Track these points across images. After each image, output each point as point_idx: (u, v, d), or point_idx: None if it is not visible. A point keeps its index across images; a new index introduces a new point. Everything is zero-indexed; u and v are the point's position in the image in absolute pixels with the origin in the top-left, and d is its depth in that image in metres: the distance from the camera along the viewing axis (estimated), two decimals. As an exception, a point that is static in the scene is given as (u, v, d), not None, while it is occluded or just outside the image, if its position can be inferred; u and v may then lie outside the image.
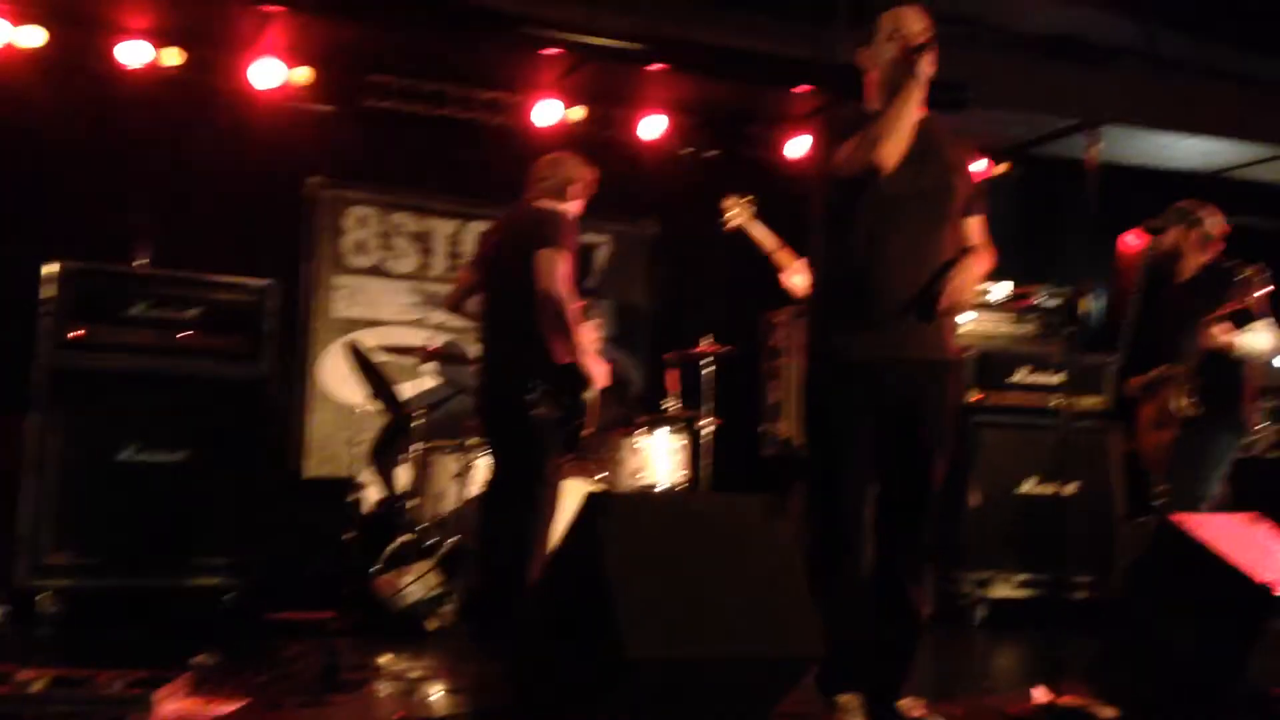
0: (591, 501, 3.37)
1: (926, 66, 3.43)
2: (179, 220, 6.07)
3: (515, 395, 4.29)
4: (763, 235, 5.16)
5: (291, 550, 5.54)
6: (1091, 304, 5.16)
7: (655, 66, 6.39)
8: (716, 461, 5.98)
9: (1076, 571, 5.41)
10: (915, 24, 3.51)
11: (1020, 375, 5.91)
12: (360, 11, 5.76)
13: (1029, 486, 5.66)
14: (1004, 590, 5.53)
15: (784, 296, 5.84)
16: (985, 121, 6.98)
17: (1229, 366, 4.61)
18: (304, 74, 6.19)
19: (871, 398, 3.48)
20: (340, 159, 6.68)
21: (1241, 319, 4.53)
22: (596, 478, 5.56)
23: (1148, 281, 5.03)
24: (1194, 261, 4.82)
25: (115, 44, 5.97)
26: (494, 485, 4.56)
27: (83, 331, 4.97)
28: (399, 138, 6.76)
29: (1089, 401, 5.87)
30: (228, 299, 5.30)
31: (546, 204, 4.53)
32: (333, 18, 5.78)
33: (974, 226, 3.63)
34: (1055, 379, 5.81)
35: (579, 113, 6.80)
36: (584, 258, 7.21)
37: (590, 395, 4.45)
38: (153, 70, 6.08)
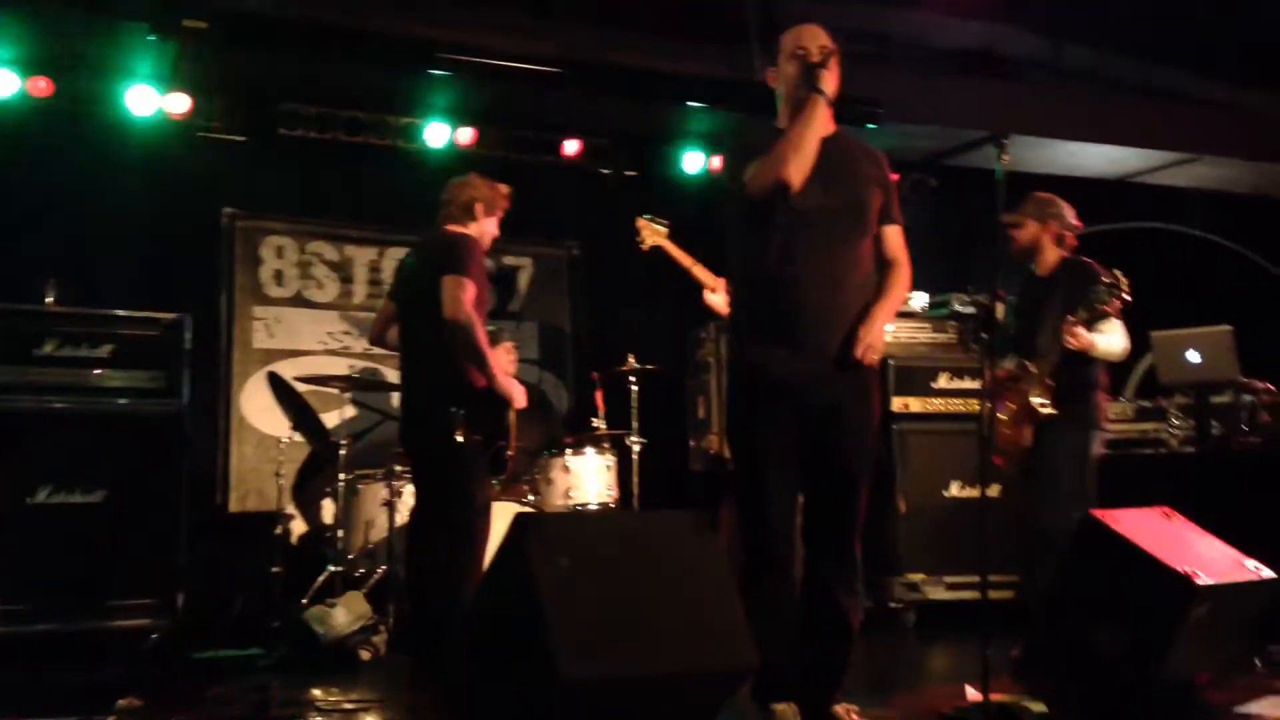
0: (521, 523, 3.36)
1: (828, 83, 3.49)
2: (91, 257, 5.96)
3: (435, 422, 4.27)
4: (679, 254, 5.21)
5: (218, 587, 5.44)
6: (1006, 310, 5.24)
7: (571, 89, 6.40)
8: (645, 479, 5.99)
9: (1002, 572, 5.49)
10: (814, 41, 3.57)
11: (940, 382, 6.01)
12: (272, 41, 5.69)
13: (954, 490, 5.75)
14: (934, 593, 5.60)
15: (707, 313, 5.90)
16: (898, 135, 7.11)
17: (1083, 365, 4.68)
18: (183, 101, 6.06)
19: (793, 410, 3.51)
20: (255, 189, 6.60)
21: (1097, 318, 4.59)
22: (526, 499, 5.55)
23: (1013, 275, 5.12)
24: (1052, 256, 4.89)
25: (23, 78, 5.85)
26: (420, 513, 4.52)
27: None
28: (314, 166, 6.71)
29: (1013, 404, 5.97)
30: (141, 334, 5.21)
31: (452, 228, 4.54)
32: (243, 47, 5.70)
33: (891, 236, 3.69)
34: (974, 384, 5.92)
35: (495, 136, 6.79)
36: (506, 280, 7.21)
37: (510, 417, 4.44)
38: (59, 104, 5.96)
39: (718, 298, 5.11)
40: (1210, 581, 3.66)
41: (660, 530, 3.62)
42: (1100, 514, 3.93)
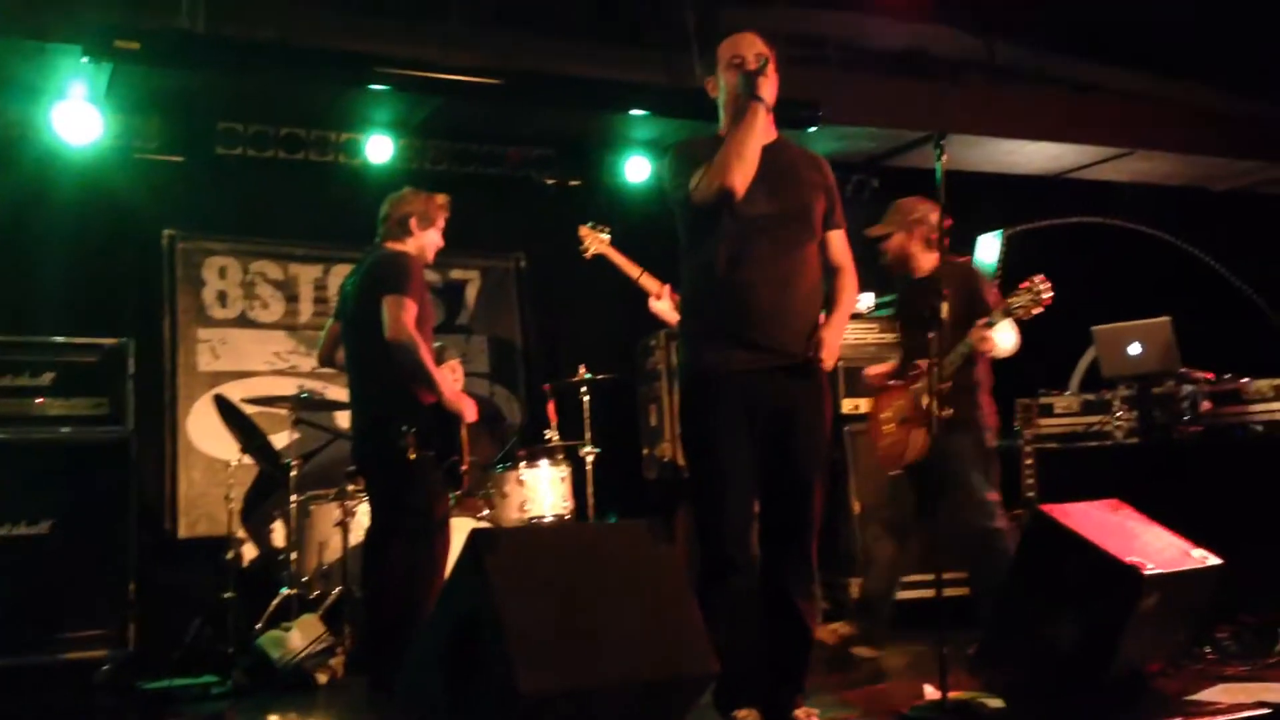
0: (477, 537, 3.35)
1: (767, 90, 3.51)
2: (29, 284, 5.86)
3: (387, 442, 4.26)
4: (622, 261, 5.22)
5: (170, 615, 5.37)
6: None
7: (511, 100, 6.39)
8: (600, 489, 5.99)
9: (955, 569, 5.54)
10: (750, 49, 3.60)
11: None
12: (206, 59, 5.63)
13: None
14: (913, 591, 5.63)
15: (656, 320, 5.92)
16: (838, 138, 7.17)
17: (972, 366, 4.74)
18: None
19: (747, 413, 3.53)
20: (195, 210, 6.52)
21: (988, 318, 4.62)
22: (481, 514, 5.53)
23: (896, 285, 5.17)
24: (926, 260, 4.93)
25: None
26: (377, 532, 4.50)
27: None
28: (254, 184, 6.63)
29: (958, 402, 6.04)
30: (83, 361, 5.15)
31: (390, 245, 4.53)
32: (177, 67, 5.63)
33: (835, 242, 3.73)
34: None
35: (437, 149, 6.76)
36: (454, 294, 7.18)
37: (462, 431, 4.44)
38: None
39: (663, 305, 5.13)
40: (1158, 571, 3.73)
41: (616, 540, 3.62)
42: (1049, 508, 3.99)
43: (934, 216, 4.88)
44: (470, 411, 4.48)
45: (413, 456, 4.23)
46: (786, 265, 3.57)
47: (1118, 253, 7.73)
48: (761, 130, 3.51)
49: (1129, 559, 3.72)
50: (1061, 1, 6.92)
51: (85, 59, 5.24)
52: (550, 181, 7.30)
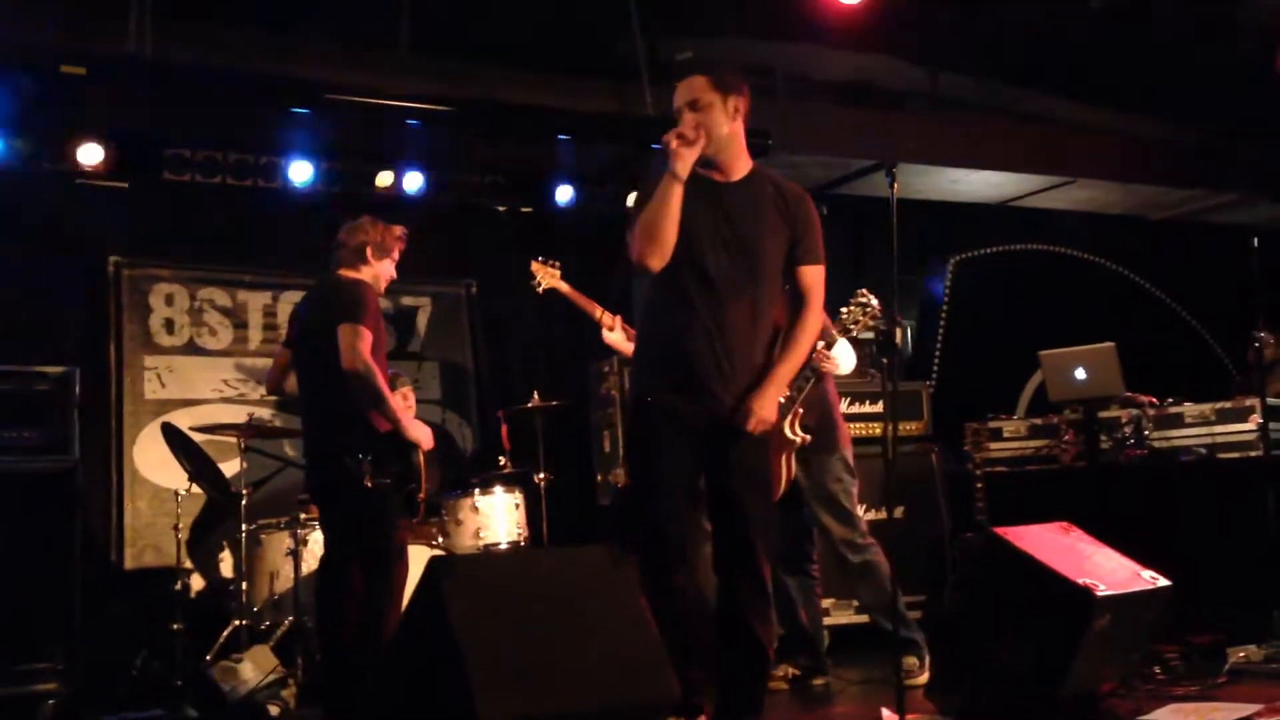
0: (434, 566, 3.33)
1: (680, 163, 3.44)
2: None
3: (343, 471, 4.23)
4: (573, 294, 5.24)
5: (117, 647, 5.27)
6: (903, 334, 5.37)
7: (461, 128, 6.40)
8: (554, 515, 5.97)
9: (910, 592, 5.58)
10: (682, 98, 3.60)
11: (843, 407, 6.10)
12: (153, 85, 5.58)
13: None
14: (843, 617, 5.67)
15: (609, 348, 5.92)
16: (788, 166, 7.24)
17: (817, 387, 4.73)
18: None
19: (688, 446, 3.56)
20: (142, 236, 6.45)
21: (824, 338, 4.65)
22: (435, 542, 5.49)
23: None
24: None
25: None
26: (331, 562, 4.46)
27: None
28: (202, 211, 6.57)
29: (909, 427, 6.11)
30: (27, 389, 5.06)
31: (345, 273, 4.51)
32: (123, 92, 5.58)
33: (804, 277, 3.68)
34: (876, 408, 6.03)
35: (387, 178, 6.73)
36: (405, 320, 7.15)
37: (419, 458, 4.41)
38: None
39: (616, 335, 5.14)
40: (1109, 592, 3.78)
41: (574, 566, 3.62)
42: (1002, 531, 4.03)
43: None
44: (427, 439, 4.46)
45: (369, 484, 4.20)
46: (731, 314, 3.56)
47: (1062, 279, 7.88)
48: (674, 202, 3.47)
49: (1081, 580, 3.77)
50: (1003, 34, 7.06)
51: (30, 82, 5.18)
52: (501, 209, 7.30)
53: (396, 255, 4.66)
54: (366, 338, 4.24)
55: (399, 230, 4.67)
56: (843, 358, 4.72)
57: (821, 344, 4.60)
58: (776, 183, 3.71)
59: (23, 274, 6.00)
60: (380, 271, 4.60)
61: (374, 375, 4.22)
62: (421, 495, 4.42)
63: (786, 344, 3.68)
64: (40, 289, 6.06)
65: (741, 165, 3.66)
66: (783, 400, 4.66)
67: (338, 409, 4.32)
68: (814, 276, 3.69)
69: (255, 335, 6.72)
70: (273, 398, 6.63)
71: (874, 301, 4.53)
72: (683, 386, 3.55)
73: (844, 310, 4.59)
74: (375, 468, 4.22)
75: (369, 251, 4.54)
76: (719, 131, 3.55)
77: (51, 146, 5.91)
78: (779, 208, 3.66)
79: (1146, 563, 4.15)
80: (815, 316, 3.71)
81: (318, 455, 4.44)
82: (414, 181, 6.80)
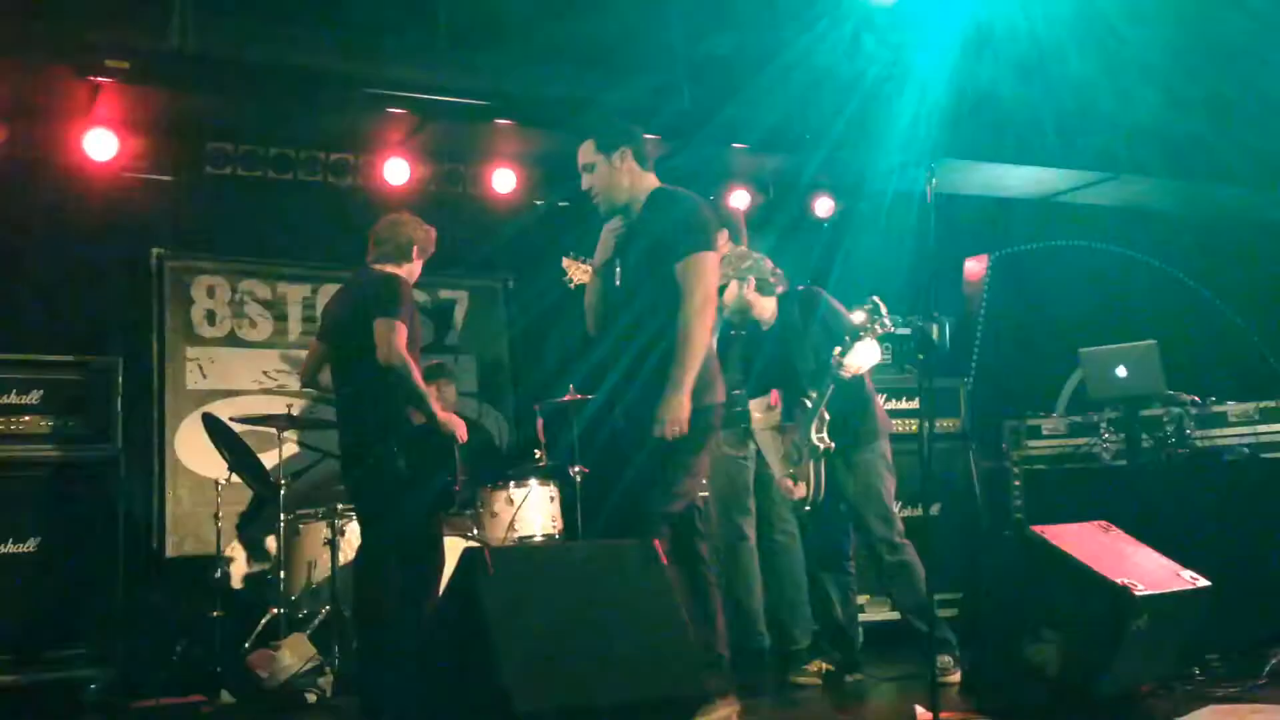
0: (469, 558, 3.35)
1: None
2: (18, 303, 5.84)
3: (379, 463, 4.25)
4: None
5: (158, 633, 5.34)
6: (940, 330, 5.33)
7: (500, 121, 6.42)
8: (589, 508, 5.98)
9: (946, 590, 5.56)
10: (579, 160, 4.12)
11: (876, 396, 6.07)
12: (196, 80, 5.63)
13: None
14: (879, 614, 5.65)
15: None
16: (825, 161, 7.20)
17: (852, 384, 4.75)
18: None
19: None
20: (184, 229, 6.52)
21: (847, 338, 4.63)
22: (470, 534, 5.51)
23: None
24: (767, 303, 4.92)
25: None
26: (367, 553, 4.49)
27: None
28: (244, 204, 6.62)
29: (946, 423, 6.08)
30: (71, 379, 5.16)
31: (386, 268, 4.53)
32: (167, 87, 5.64)
33: (679, 271, 3.82)
34: (912, 405, 6.00)
35: (424, 170, 6.76)
36: (443, 314, 7.18)
37: (454, 451, 4.42)
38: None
39: None
40: (1149, 592, 3.75)
41: (607, 560, 3.63)
42: (1040, 529, 4.00)
43: (766, 264, 4.94)
44: (461, 431, 4.48)
45: (406, 478, 4.22)
46: (638, 336, 3.84)
47: (1104, 276, 7.78)
48: (594, 292, 4.06)
49: (1120, 580, 3.73)
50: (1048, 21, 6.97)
51: (77, 78, 5.25)
52: (538, 202, 7.32)
53: (427, 256, 4.71)
54: (402, 332, 4.27)
55: (432, 231, 4.71)
56: (862, 358, 4.68)
57: (836, 350, 4.59)
58: (663, 197, 3.97)
59: (67, 266, 6.08)
60: (416, 270, 4.64)
61: (410, 369, 4.25)
62: (457, 487, 4.42)
63: (676, 345, 3.79)
64: (84, 281, 6.13)
65: (638, 192, 4.00)
66: (808, 405, 4.67)
67: (373, 401, 4.35)
68: (689, 266, 3.81)
69: (294, 327, 6.78)
70: (310, 389, 6.73)
71: (883, 308, 4.51)
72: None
73: (856, 315, 4.57)
74: (410, 460, 4.25)
75: (415, 250, 4.59)
76: (614, 183, 3.96)
77: (97, 140, 6.00)
78: (656, 219, 3.93)
79: (1186, 563, 4.11)
80: (689, 308, 3.77)
81: (353, 447, 4.47)
82: (451, 175, 6.84)
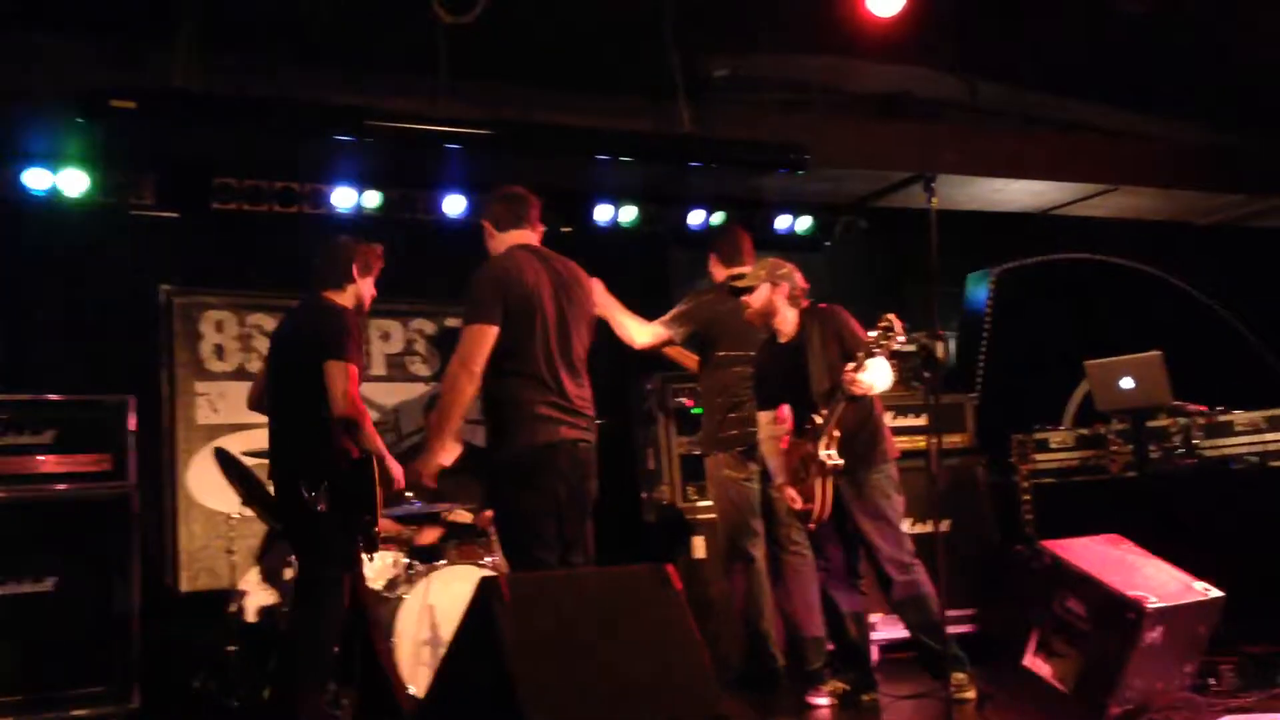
0: (485, 586, 3.37)
1: None
2: (28, 343, 5.88)
3: (301, 495, 4.20)
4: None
5: (174, 669, 5.35)
6: (945, 346, 5.35)
7: (502, 150, 6.46)
8: (599, 532, 5.98)
9: (958, 606, 5.56)
10: None
11: (885, 420, 6.09)
12: (201, 117, 5.68)
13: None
14: (892, 632, 5.66)
15: (652, 364, 5.96)
16: (826, 180, 7.25)
17: (861, 405, 4.78)
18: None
19: None
20: (191, 264, 6.57)
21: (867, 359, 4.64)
22: (483, 561, 5.52)
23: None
24: (790, 315, 4.98)
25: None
26: (297, 583, 4.51)
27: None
28: (249, 238, 6.66)
29: (953, 439, 6.09)
30: (84, 417, 5.18)
31: (328, 296, 4.45)
32: (172, 124, 5.68)
33: None
34: (919, 421, 6.02)
35: (427, 200, 6.79)
36: (450, 341, 7.19)
37: (376, 493, 4.31)
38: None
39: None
40: (1161, 605, 3.76)
41: (622, 585, 3.65)
42: (1051, 544, 4.02)
43: (798, 277, 5.01)
44: (399, 478, 4.41)
45: (321, 509, 4.15)
46: None
47: (1107, 287, 7.81)
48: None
49: (1132, 593, 3.75)
50: (1041, 42, 7.03)
51: (80, 120, 5.30)
52: (540, 230, 7.34)
53: (377, 273, 4.62)
54: (354, 375, 4.22)
55: (379, 248, 4.64)
56: (876, 378, 4.71)
57: (850, 365, 4.61)
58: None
59: (76, 304, 6.13)
60: (363, 290, 4.56)
61: (363, 419, 4.22)
62: (377, 530, 4.30)
63: None
64: (93, 319, 6.18)
65: None
66: (818, 422, 4.69)
67: (307, 433, 4.28)
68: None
69: (303, 360, 6.80)
70: (258, 414, 6.74)
71: (897, 326, 4.52)
72: None
73: (871, 334, 4.59)
74: (331, 497, 4.18)
75: (355, 270, 4.49)
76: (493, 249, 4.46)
77: (103, 179, 6.06)
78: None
79: (1198, 574, 4.12)
80: (449, 370, 4.24)
81: (280, 478, 4.40)
82: (456, 205, 6.88)
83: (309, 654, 4.22)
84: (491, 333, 4.30)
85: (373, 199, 6.71)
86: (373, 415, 6.75)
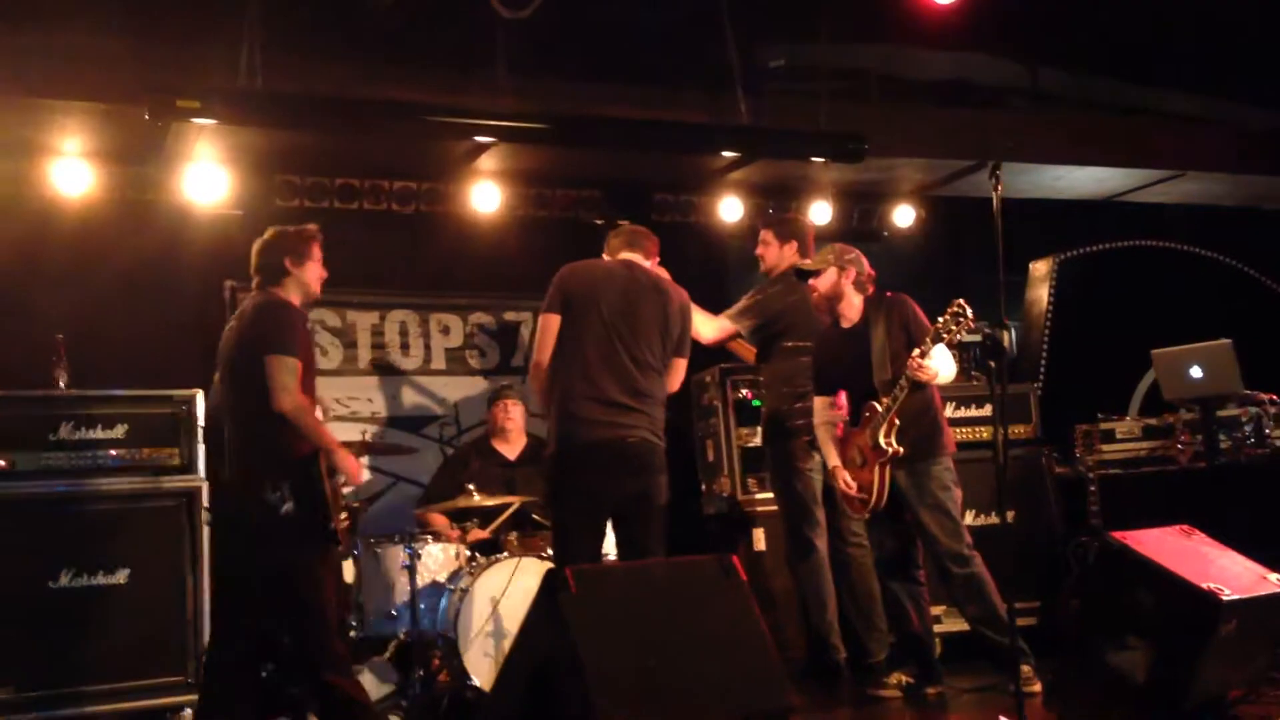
0: (551, 577, 3.39)
1: None
2: (99, 338, 5.98)
3: (257, 496, 4.14)
4: None
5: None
6: (1009, 335, 5.29)
7: (559, 143, 6.48)
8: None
9: (1023, 598, 5.50)
10: None
11: (947, 411, 6.04)
12: (265, 116, 5.74)
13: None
14: (955, 625, 5.61)
15: (710, 357, 5.95)
16: (885, 169, 7.20)
17: (922, 395, 4.73)
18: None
19: None
20: (255, 260, 6.65)
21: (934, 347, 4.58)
22: (545, 553, 5.55)
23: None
24: (856, 301, 4.95)
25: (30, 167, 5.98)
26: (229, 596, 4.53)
27: (5, 462, 4.89)
28: (311, 233, 6.73)
29: (1018, 429, 6.03)
30: (154, 412, 5.24)
31: (268, 294, 4.36)
32: (240, 124, 5.76)
33: None
34: (982, 412, 5.96)
35: (488, 195, 6.83)
36: (509, 335, 7.27)
37: (326, 489, 4.19)
38: (52, 190, 6.03)
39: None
40: (1235, 597, 3.70)
41: (687, 577, 3.67)
42: (1121, 535, 3.96)
43: (865, 263, 4.99)
44: (357, 475, 4.40)
45: (284, 512, 4.08)
46: None
47: (1173, 275, 7.68)
48: None
49: (1206, 585, 3.69)
50: (1104, 26, 6.92)
51: (148, 119, 5.38)
52: (599, 222, 7.35)
53: (318, 254, 4.52)
54: (296, 370, 4.14)
55: (311, 228, 4.55)
56: (941, 365, 4.67)
57: (917, 351, 4.57)
58: None
59: (144, 301, 6.23)
60: (307, 277, 4.46)
61: (305, 414, 4.14)
62: (334, 524, 4.20)
63: None
64: (160, 315, 6.28)
65: None
66: (878, 409, 4.66)
67: (256, 431, 4.22)
68: None
69: (364, 354, 6.89)
70: (383, 413, 6.83)
71: (969, 312, 4.46)
72: None
73: (940, 319, 4.54)
74: (293, 496, 4.12)
75: (287, 262, 4.40)
76: None
77: (170, 178, 6.16)
78: None
79: (1272, 565, 4.05)
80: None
81: (234, 479, 4.35)
82: (513, 199, 6.91)
83: (314, 643, 4.17)
84: (553, 321, 4.36)
85: (430, 194, 6.76)
86: (434, 409, 6.96)
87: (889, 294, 4.94)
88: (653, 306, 4.52)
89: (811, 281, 4.99)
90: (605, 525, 4.52)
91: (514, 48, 6.06)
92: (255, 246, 4.47)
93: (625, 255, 4.74)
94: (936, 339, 4.52)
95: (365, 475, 6.35)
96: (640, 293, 4.52)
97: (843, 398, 4.94)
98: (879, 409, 4.69)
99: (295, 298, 4.42)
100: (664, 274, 4.79)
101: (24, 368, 5.35)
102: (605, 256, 4.80)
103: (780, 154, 6.65)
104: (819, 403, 5.03)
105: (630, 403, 4.37)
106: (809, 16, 6.51)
